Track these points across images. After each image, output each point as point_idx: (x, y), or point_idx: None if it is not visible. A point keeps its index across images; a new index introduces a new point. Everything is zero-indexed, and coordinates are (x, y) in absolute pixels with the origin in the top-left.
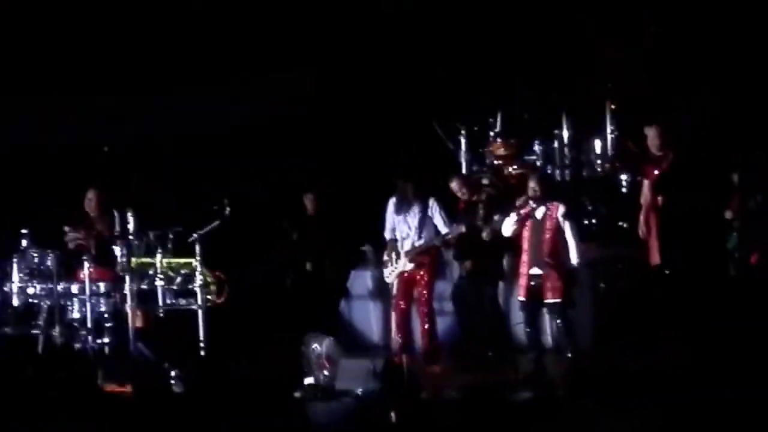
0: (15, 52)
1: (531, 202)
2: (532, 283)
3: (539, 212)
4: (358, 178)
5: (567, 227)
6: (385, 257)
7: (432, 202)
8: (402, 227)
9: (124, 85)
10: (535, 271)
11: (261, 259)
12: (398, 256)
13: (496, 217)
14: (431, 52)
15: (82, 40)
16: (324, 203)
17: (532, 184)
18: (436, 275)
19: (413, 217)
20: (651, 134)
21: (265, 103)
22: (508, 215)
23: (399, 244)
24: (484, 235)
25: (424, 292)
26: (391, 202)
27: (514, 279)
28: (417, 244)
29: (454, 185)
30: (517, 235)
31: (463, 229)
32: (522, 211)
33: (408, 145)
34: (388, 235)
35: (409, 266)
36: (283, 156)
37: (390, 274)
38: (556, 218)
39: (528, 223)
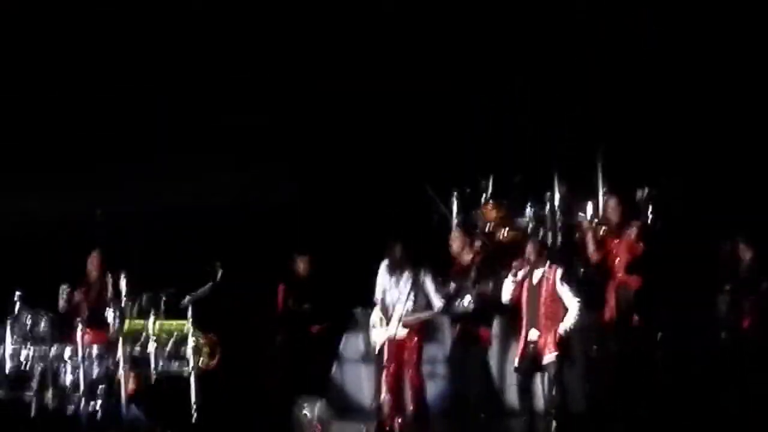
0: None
1: (528, 265)
2: (530, 346)
3: (536, 276)
4: (350, 240)
5: (565, 290)
6: (374, 319)
7: (424, 270)
8: (393, 292)
9: (120, 155)
10: (533, 334)
11: (254, 321)
12: (388, 320)
13: (485, 282)
14: (422, 113)
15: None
16: (315, 265)
17: (528, 248)
18: (427, 339)
19: (404, 283)
20: (611, 204)
21: (256, 171)
22: (500, 279)
23: (390, 307)
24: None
25: (414, 356)
26: (383, 265)
27: (507, 342)
28: (410, 310)
29: (455, 239)
30: (516, 300)
31: (469, 306)
32: (519, 275)
33: (399, 209)
34: (378, 297)
35: (401, 332)
36: (275, 217)
37: (378, 337)
38: (554, 281)
39: (525, 286)
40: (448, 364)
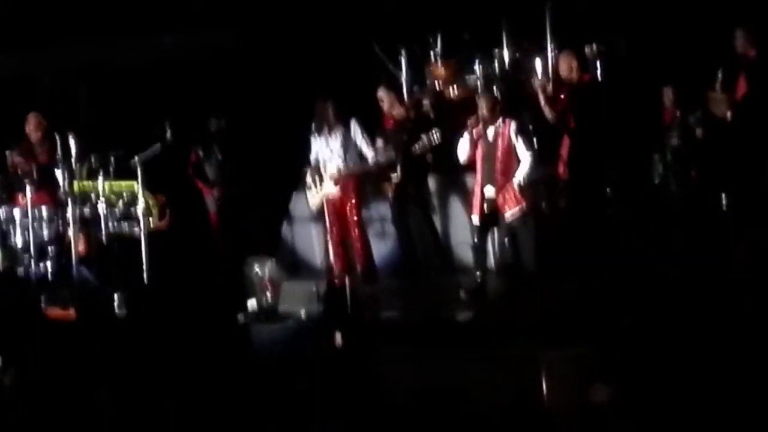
0: None
1: (481, 122)
2: (485, 204)
3: (490, 132)
4: (295, 98)
5: (519, 143)
6: (308, 181)
7: (353, 123)
8: (324, 150)
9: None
10: (489, 190)
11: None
12: (321, 180)
13: (424, 138)
14: None
15: None
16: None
17: (481, 104)
18: (366, 196)
19: (335, 139)
20: (564, 58)
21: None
22: (451, 137)
23: (322, 167)
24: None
25: (354, 215)
26: (314, 125)
27: (446, 200)
28: (342, 167)
29: (380, 95)
30: (471, 158)
31: (392, 155)
32: (474, 132)
33: (327, 64)
34: (312, 158)
35: (334, 190)
36: (218, 81)
37: (313, 199)
38: (509, 136)
39: (480, 143)
40: (395, 222)
